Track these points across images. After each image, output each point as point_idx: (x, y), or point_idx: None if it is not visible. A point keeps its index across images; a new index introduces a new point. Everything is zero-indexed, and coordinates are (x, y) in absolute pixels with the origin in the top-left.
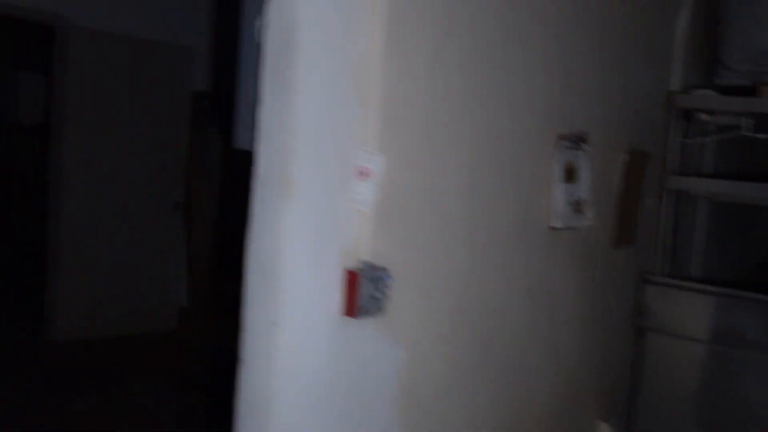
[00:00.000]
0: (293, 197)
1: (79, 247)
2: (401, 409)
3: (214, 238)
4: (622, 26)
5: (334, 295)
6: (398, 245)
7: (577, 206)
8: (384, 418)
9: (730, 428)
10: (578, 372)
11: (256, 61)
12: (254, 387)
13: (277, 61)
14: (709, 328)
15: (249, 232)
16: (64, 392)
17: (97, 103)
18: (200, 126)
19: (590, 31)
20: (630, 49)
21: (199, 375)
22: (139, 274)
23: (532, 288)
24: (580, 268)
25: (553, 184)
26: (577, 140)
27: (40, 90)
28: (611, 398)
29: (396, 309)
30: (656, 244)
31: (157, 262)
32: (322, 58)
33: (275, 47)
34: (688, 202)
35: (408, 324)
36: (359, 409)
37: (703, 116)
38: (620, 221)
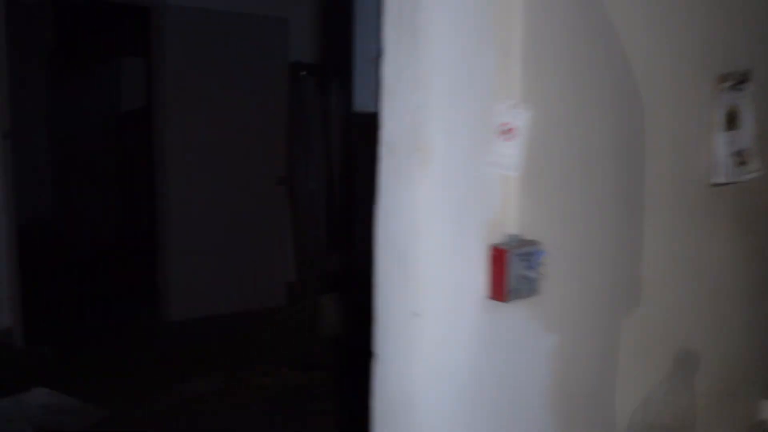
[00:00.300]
0: (429, 164)
1: (186, 227)
2: (555, 401)
3: (321, 211)
4: None
5: (479, 276)
6: (546, 213)
7: (740, 157)
8: (537, 412)
9: None
10: (743, 352)
11: (374, 7)
12: (393, 385)
13: (402, 3)
14: None
15: (377, 208)
16: (180, 373)
17: (194, 82)
18: (300, 97)
19: None
20: None
21: (312, 354)
22: (245, 251)
23: (692, 257)
24: (745, 231)
25: (712, 132)
26: (739, 80)
27: (141, 74)
28: None
29: (548, 287)
30: None
31: (262, 239)
32: (454, 7)
33: None
34: None
35: (562, 304)
36: (509, 404)
37: None
38: None
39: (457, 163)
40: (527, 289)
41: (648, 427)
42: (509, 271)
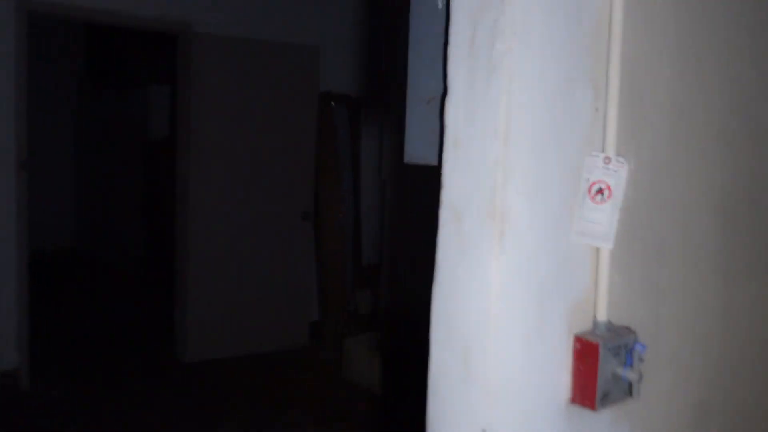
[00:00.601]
0: (506, 236)
1: (206, 263)
2: None
3: (347, 248)
4: None
5: (562, 376)
6: (641, 294)
7: None
8: None
9: None
10: None
11: (435, 33)
12: None
13: (477, 31)
14: None
15: (435, 288)
16: (201, 417)
17: (221, 111)
18: (329, 128)
19: None
20: None
21: (338, 400)
22: (267, 288)
23: None
24: None
25: None
26: None
27: (169, 102)
28: None
29: (647, 390)
30: None
31: (286, 276)
32: (545, 25)
33: (473, 9)
34: None
35: (656, 406)
36: None
37: None
38: None
39: (540, 234)
40: (621, 392)
41: None
42: (600, 369)
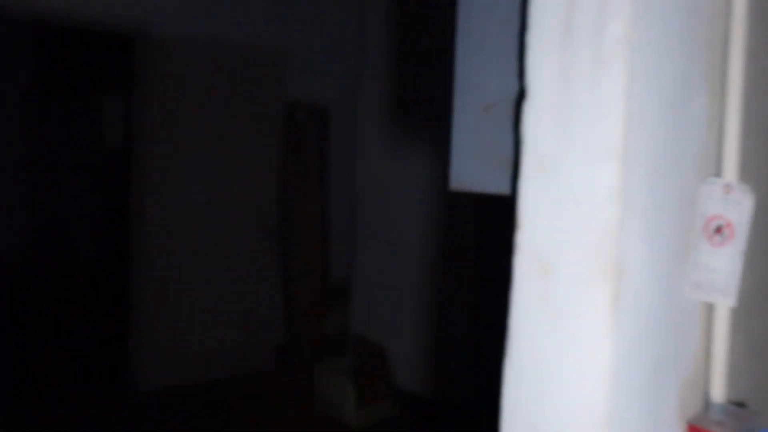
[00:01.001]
0: (621, 295)
1: (164, 282)
2: None
3: (315, 266)
4: None
5: None
6: (762, 363)
7: None
8: None
9: None
10: None
11: (501, 18)
12: None
13: (576, 10)
14: None
15: (507, 360)
16: None
17: (182, 120)
18: (296, 140)
19: None
20: None
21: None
22: (229, 309)
23: None
24: None
25: None
26: None
27: (123, 110)
28: None
29: None
30: None
31: (249, 296)
32: (664, 3)
33: None
34: None
35: None
36: None
37: None
38: None
39: (656, 291)
40: None
41: None
42: None
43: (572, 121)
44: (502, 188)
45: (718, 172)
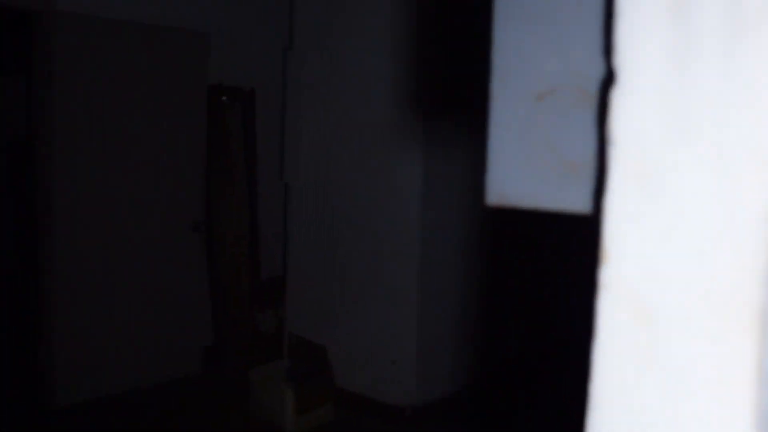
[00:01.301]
0: (752, 349)
1: (78, 285)
2: None
3: (245, 261)
4: None
5: None
6: None
7: None
8: None
9: None
10: None
11: None
12: None
13: None
14: None
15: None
16: None
17: (93, 107)
18: (220, 127)
19: None
20: None
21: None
22: (152, 311)
23: None
24: None
25: None
26: None
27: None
28: None
29: None
30: None
31: (173, 295)
32: None
33: None
34: None
35: None
36: None
37: None
38: None
39: None
40: None
41: None
42: None
43: (695, 113)
44: (566, 203)
45: None
